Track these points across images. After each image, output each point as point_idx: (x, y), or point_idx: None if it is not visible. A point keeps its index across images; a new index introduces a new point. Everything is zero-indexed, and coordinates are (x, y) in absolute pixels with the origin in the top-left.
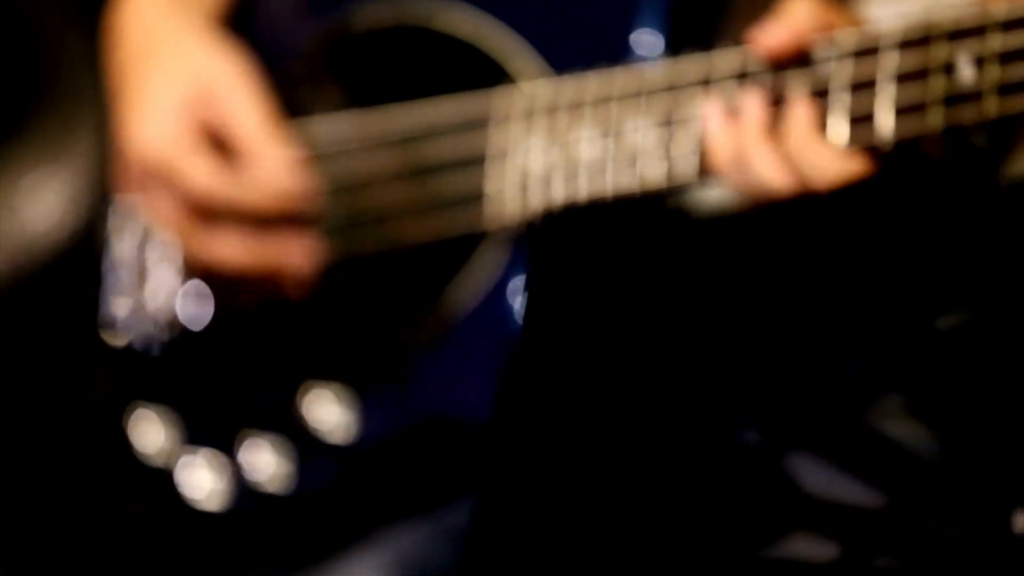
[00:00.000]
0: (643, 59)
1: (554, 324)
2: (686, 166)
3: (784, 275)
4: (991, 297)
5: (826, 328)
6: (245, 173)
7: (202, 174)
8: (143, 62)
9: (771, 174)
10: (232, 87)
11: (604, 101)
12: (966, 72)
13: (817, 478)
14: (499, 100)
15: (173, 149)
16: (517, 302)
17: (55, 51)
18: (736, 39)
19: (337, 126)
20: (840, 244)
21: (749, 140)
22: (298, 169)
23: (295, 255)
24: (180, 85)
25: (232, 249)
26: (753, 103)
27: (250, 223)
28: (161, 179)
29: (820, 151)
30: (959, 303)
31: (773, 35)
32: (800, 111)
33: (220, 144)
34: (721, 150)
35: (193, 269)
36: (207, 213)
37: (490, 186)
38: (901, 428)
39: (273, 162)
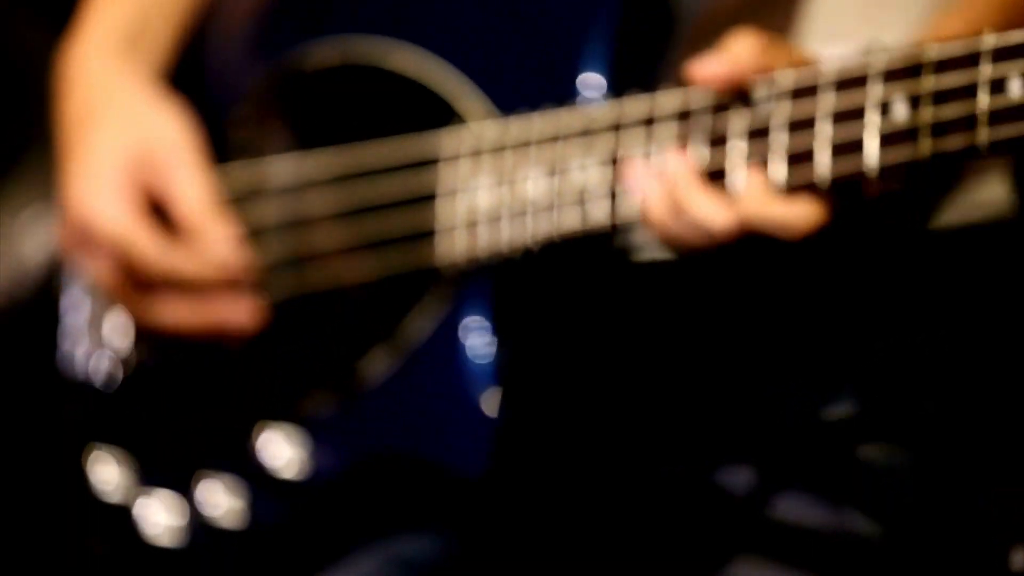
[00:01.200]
0: (588, 100)
1: (530, 370)
2: (631, 205)
3: (750, 308)
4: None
5: (801, 362)
6: (185, 245)
7: (142, 246)
8: (87, 120)
9: (711, 216)
10: (174, 154)
11: (550, 140)
12: (900, 112)
13: (810, 515)
14: (447, 139)
15: (113, 217)
16: (468, 339)
17: (46, 92)
18: (678, 80)
19: (285, 165)
20: (795, 277)
21: (683, 187)
22: (237, 247)
23: (237, 316)
24: (122, 148)
25: (174, 314)
26: (678, 156)
27: (191, 290)
28: (100, 246)
29: (762, 195)
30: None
31: (711, 68)
32: (738, 151)
33: (160, 208)
34: (655, 205)
35: (139, 326)
36: (147, 281)
37: (439, 224)
38: (895, 464)
39: (213, 237)
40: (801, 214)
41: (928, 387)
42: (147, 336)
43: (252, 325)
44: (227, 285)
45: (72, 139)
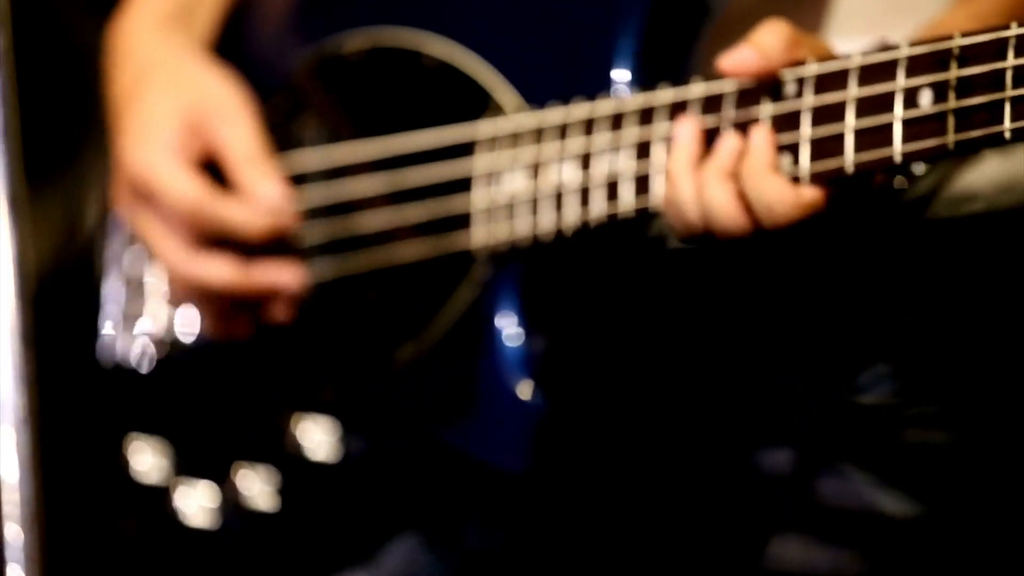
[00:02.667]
0: (618, 93)
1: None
2: (659, 193)
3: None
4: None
5: (848, 347)
6: (234, 198)
7: (191, 196)
8: (139, 86)
9: (725, 201)
10: (226, 112)
11: (583, 128)
12: (926, 101)
13: (849, 495)
14: (484, 127)
15: (165, 170)
16: (503, 327)
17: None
18: (708, 73)
19: (326, 152)
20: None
21: (710, 167)
22: (286, 197)
23: (281, 278)
24: (175, 109)
25: (220, 271)
26: (716, 132)
27: (238, 247)
28: (152, 200)
29: (777, 181)
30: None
31: (740, 59)
32: (763, 137)
33: (212, 168)
34: (680, 174)
35: (182, 295)
36: (196, 235)
37: (474, 209)
38: (933, 440)
39: (263, 190)
40: (794, 198)
41: (964, 365)
42: (192, 305)
43: (296, 288)
44: (274, 244)
45: (124, 103)
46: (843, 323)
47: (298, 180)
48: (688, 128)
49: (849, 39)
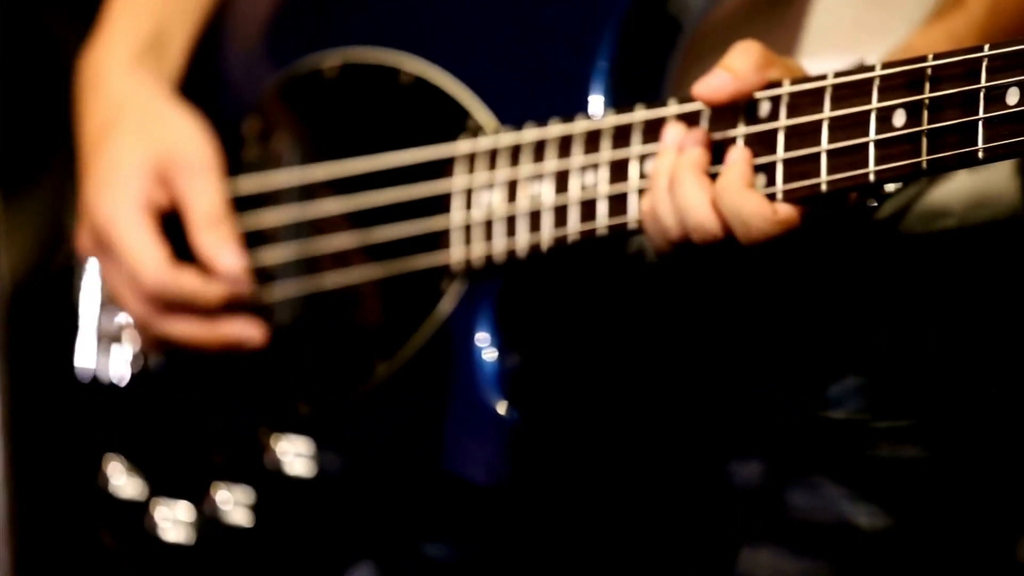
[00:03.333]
0: (593, 113)
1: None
2: (635, 209)
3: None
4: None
5: (819, 359)
6: (192, 269)
7: (151, 267)
8: (109, 130)
9: (692, 201)
10: (192, 167)
11: (560, 148)
12: (899, 121)
13: (819, 507)
14: (462, 146)
15: (129, 230)
16: (480, 344)
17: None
18: (680, 95)
19: (299, 172)
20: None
21: (684, 169)
22: (243, 268)
23: (245, 333)
24: (143, 159)
25: (183, 329)
26: (696, 139)
27: (201, 310)
28: (114, 256)
29: (753, 196)
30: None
31: (715, 84)
32: (739, 154)
33: (174, 217)
34: (658, 180)
35: (149, 345)
36: (160, 296)
37: (451, 226)
38: (904, 454)
39: (221, 261)
40: (770, 214)
41: (936, 380)
42: (156, 344)
43: (260, 342)
44: (236, 304)
45: (93, 146)
46: (816, 336)
47: (272, 199)
48: (674, 132)
49: (822, 59)
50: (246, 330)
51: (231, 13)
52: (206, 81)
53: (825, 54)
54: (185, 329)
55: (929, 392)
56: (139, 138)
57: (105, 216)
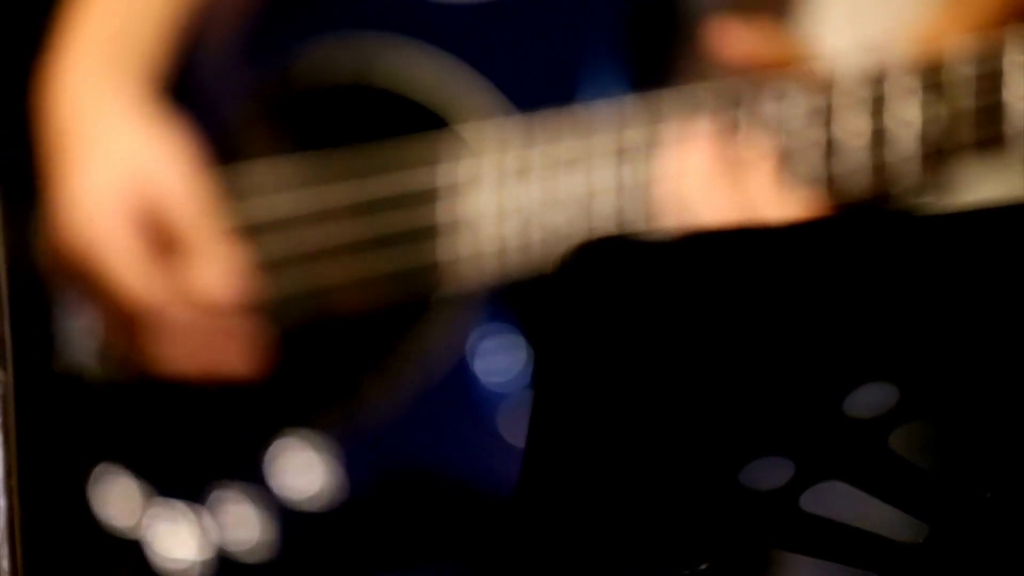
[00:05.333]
0: (601, 97)
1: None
2: (636, 208)
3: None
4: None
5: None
6: (183, 271)
7: (136, 274)
8: (76, 142)
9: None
10: (168, 174)
11: (565, 141)
12: (923, 107)
13: (843, 511)
14: (454, 142)
15: (107, 249)
16: (478, 359)
17: None
18: (686, 80)
19: (287, 197)
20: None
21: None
22: (238, 266)
23: (234, 363)
24: (117, 175)
25: (169, 356)
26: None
27: (190, 328)
28: (94, 279)
29: (773, 191)
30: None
31: (739, 38)
32: (758, 144)
33: (159, 238)
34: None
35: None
36: (145, 314)
37: (445, 255)
38: (929, 459)
39: (213, 257)
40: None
41: (963, 381)
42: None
43: (249, 372)
44: (225, 327)
45: (61, 162)
46: (839, 336)
47: (256, 229)
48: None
49: (826, 38)
50: (234, 359)
51: (210, 11)
52: (185, 84)
53: (826, 34)
54: (171, 354)
55: (954, 394)
56: (110, 153)
57: (82, 235)
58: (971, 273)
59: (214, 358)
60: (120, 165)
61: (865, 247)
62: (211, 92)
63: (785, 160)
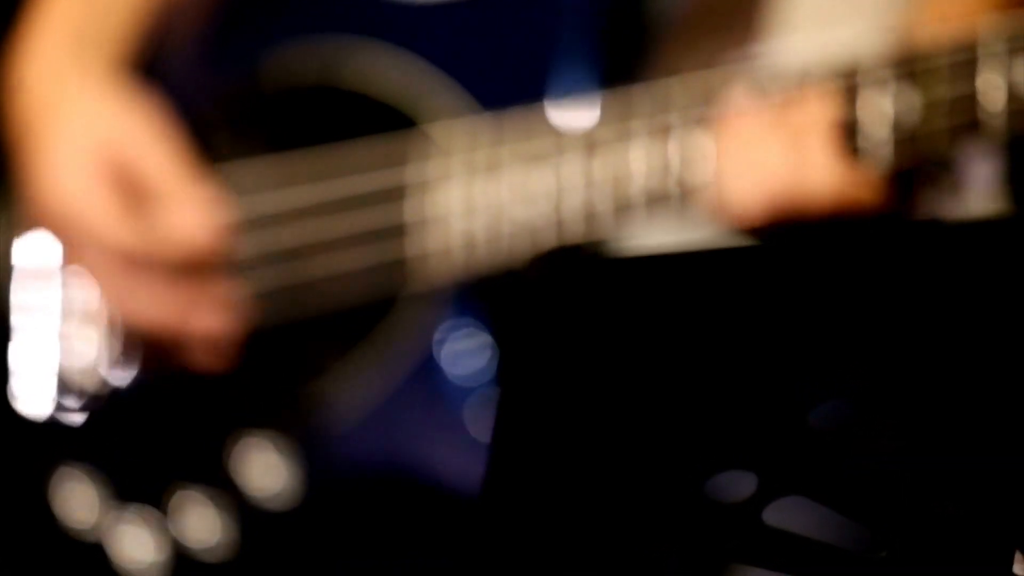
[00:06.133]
0: (570, 94)
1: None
2: (604, 200)
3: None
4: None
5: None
6: (159, 219)
7: (114, 227)
8: (46, 117)
9: (775, 161)
10: (140, 134)
11: (534, 137)
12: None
13: (805, 522)
14: (416, 167)
15: (84, 204)
16: (443, 355)
17: None
18: (668, 70)
19: (257, 198)
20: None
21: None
22: (214, 210)
23: (209, 313)
24: (87, 139)
25: (146, 303)
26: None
27: (166, 275)
28: (74, 236)
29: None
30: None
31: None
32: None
33: (134, 195)
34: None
35: (114, 329)
36: (122, 267)
37: (415, 216)
38: (892, 468)
39: (187, 204)
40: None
41: (926, 387)
42: (124, 352)
43: (223, 328)
44: (206, 273)
45: (33, 137)
46: (808, 346)
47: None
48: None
49: (796, 38)
50: (208, 312)
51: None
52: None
53: (796, 34)
54: (146, 299)
55: (916, 406)
56: (81, 122)
57: (58, 198)
58: (935, 286)
59: (189, 309)
60: (88, 129)
61: (831, 261)
62: (177, 95)
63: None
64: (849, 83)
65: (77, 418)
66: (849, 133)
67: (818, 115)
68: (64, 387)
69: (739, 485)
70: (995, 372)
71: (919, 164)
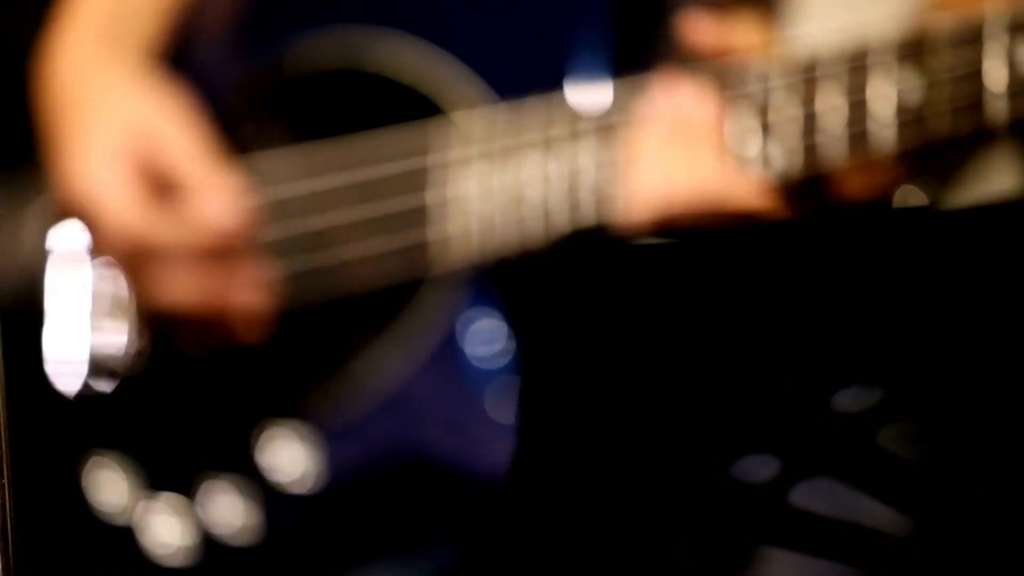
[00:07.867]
0: (580, 87)
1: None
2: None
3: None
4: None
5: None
6: (186, 209)
7: (140, 216)
8: (75, 109)
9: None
10: (167, 125)
11: (544, 134)
12: (912, 94)
13: (831, 506)
14: (437, 148)
15: (112, 193)
16: (466, 339)
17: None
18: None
19: (284, 186)
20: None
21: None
22: (240, 195)
23: (242, 292)
24: (115, 131)
25: (178, 289)
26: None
27: (195, 261)
28: (103, 224)
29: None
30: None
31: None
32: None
33: (162, 184)
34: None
35: (144, 315)
36: (152, 255)
37: (436, 234)
38: (917, 454)
39: (214, 191)
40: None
41: (951, 376)
42: (151, 329)
43: (256, 305)
44: (233, 256)
45: (62, 128)
46: (829, 333)
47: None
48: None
49: (813, 25)
50: (241, 289)
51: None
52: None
53: (813, 21)
54: (177, 286)
55: (942, 391)
56: (109, 114)
57: (86, 189)
58: (959, 273)
59: (224, 288)
60: (117, 121)
61: (853, 246)
62: (205, 83)
63: (765, 135)
64: (856, 66)
65: (107, 400)
66: (856, 115)
67: (712, 120)
68: (96, 371)
69: (764, 468)
70: (1018, 357)
71: (923, 146)
